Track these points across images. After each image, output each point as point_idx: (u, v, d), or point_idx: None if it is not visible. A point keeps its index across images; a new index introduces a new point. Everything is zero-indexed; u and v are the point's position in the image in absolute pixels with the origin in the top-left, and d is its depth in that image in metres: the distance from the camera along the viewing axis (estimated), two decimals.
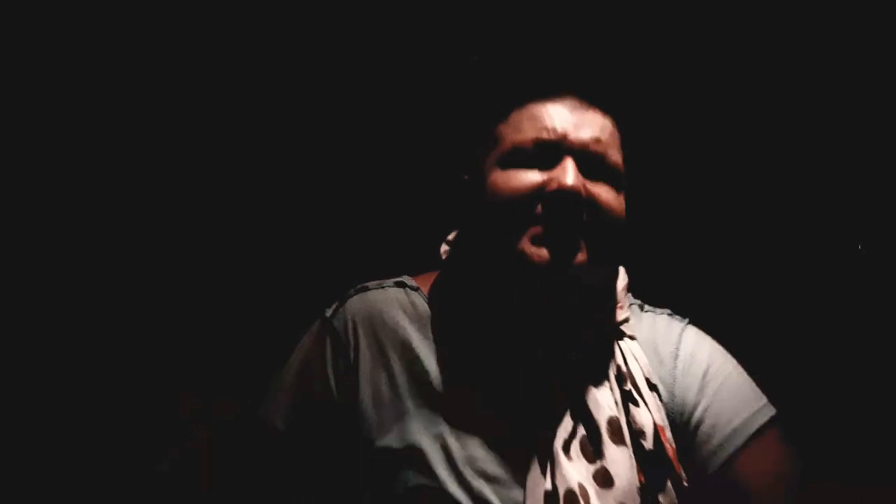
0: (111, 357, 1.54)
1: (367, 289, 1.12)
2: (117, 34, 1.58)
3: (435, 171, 1.51)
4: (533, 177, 1.02)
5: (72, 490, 1.43)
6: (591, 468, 0.98)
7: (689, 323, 1.16)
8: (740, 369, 1.12)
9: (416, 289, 1.12)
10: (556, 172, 1.01)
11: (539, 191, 1.01)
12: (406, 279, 1.14)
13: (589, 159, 1.04)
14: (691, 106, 1.67)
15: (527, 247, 0.99)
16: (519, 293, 1.02)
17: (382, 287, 1.13)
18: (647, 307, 1.18)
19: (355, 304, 1.10)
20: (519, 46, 1.61)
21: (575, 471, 0.97)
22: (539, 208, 1.00)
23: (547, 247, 0.99)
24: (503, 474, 0.98)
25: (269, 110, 1.67)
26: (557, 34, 1.62)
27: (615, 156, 1.06)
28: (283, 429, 1.06)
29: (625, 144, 1.11)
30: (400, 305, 1.10)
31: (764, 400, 1.10)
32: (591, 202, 1.02)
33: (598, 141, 1.04)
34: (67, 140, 1.57)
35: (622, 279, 1.13)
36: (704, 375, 1.08)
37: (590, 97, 1.08)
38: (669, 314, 1.17)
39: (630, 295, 1.17)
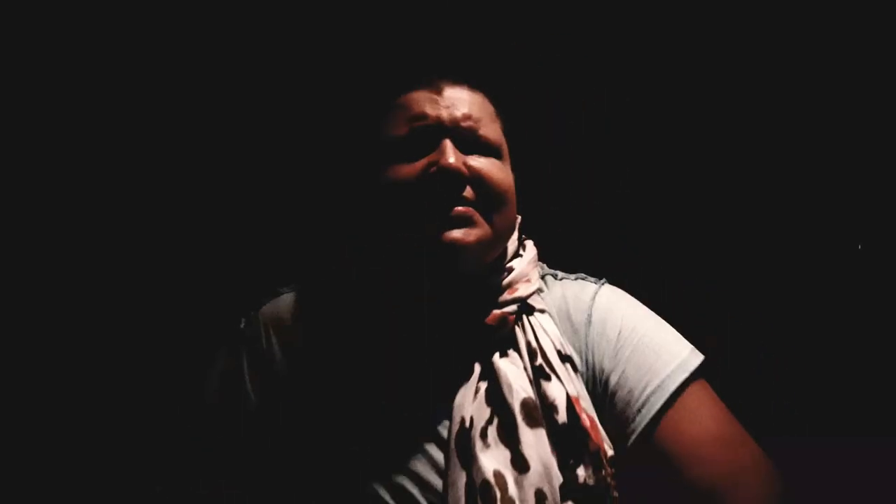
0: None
1: (279, 294, 1.15)
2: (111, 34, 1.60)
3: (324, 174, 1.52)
4: (416, 165, 1.04)
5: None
6: (508, 454, 0.97)
7: (605, 283, 1.14)
8: (659, 324, 1.10)
9: (326, 289, 1.13)
10: (435, 155, 1.04)
11: (424, 176, 1.03)
12: (316, 280, 1.15)
13: (465, 136, 1.06)
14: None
15: (428, 231, 1.00)
16: (425, 278, 1.03)
17: (294, 290, 1.15)
18: (560, 275, 1.17)
19: (268, 311, 1.12)
20: (377, 43, 1.60)
21: (491, 459, 0.96)
22: (428, 193, 1.02)
23: (446, 225, 1.01)
24: (424, 469, 0.98)
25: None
26: (412, 21, 1.61)
27: (490, 128, 1.09)
28: (207, 443, 1.08)
29: (503, 116, 1.14)
30: (312, 307, 1.11)
31: (686, 352, 1.06)
32: (475, 176, 1.04)
33: (469, 117, 1.07)
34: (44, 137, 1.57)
35: (529, 252, 1.13)
36: (617, 339, 1.06)
37: (454, 77, 1.12)
38: (583, 278, 1.15)
39: (543, 265, 1.18)
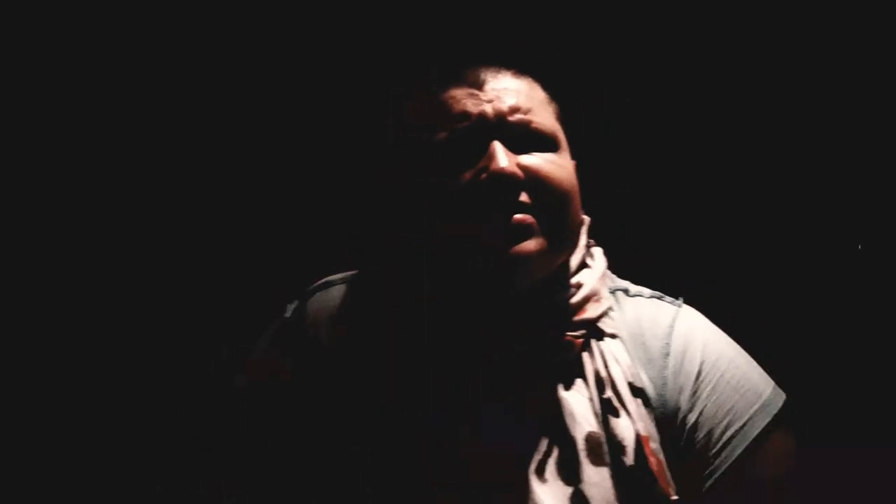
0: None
1: (329, 284, 1.08)
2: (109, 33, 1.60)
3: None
4: (462, 174, 0.93)
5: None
6: (568, 491, 0.89)
7: (683, 305, 1.04)
8: (741, 357, 1.01)
9: (377, 281, 1.05)
10: (484, 161, 0.92)
11: (473, 185, 0.92)
12: (367, 273, 1.07)
13: (514, 131, 0.94)
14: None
15: (484, 244, 0.90)
16: (472, 298, 0.94)
17: (345, 281, 1.07)
18: (633, 290, 1.06)
19: (315, 301, 1.06)
20: (405, 36, 1.56)
21: (549, 495, 0.88)
22: (479, 204, 0.91)
23: (502, 238, 0.90)
24: (474, 499, 0.89)
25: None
26: (441, 8, 1.57)
27: (543, 117, 0.97)
28: (242, 428, 1.03)
29: (555, 99, 1.01)
30: (362, 300, 1.03)
31: (769, 391, 0.98)
32: (532, 178, 0.93)
33: (517, 109, 0.95)
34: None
35: (599, 266, 1.02)
36: (698, 377, 0.97)
37: (495, 64, 0.99)
38: (659, 297, 1.05)
39: (613, 277, 1.07)
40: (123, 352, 1.56)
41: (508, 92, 0.96)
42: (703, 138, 1.64)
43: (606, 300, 1.00)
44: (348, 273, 1.09)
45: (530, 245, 0.91)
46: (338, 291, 1.06)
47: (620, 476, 0.90)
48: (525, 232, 0.90)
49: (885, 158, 1.57)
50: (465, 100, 0.95)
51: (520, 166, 0.93)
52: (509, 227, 0.90)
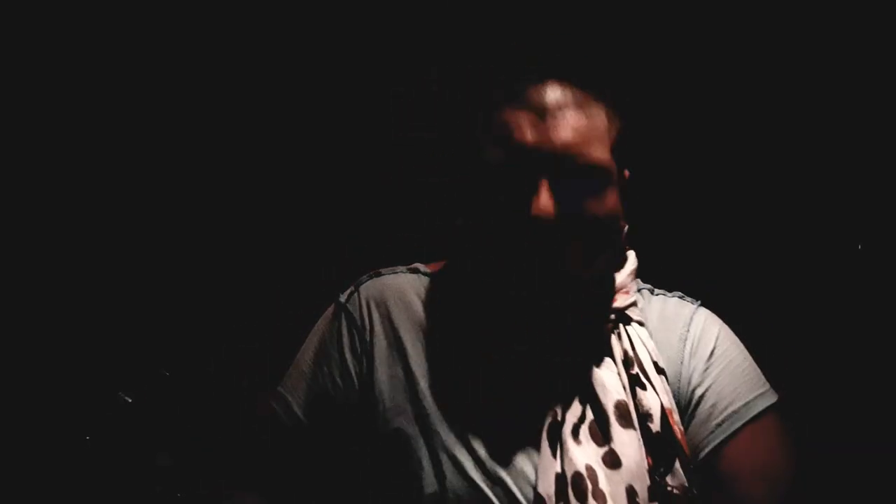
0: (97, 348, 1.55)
1: (380, 274, 1.14)
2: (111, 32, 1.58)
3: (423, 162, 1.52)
4: (511, 199, 0.98)
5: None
6: (601, 451, 0.99)
7: (701, 306, 1.16)
8: (746, 355, 1.13)
9: (428, 275, 1.13)
10: (529, 197, 0.97)
11: (515, 220, 0.98)
12: (419, 266, 1.15)
13: (566, 165, 0.98)
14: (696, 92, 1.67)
15: (512, 273, 1.00)
16: (514, 303, 1.03)
17: (395, 273, 1.14)
18: (657, 291, 1.18)
19: (369, 288, 1.12)
20: (501, 34, 1.59)
21: (583, 454, 0.98)
22: (518, 240, 0.98)
23: (531, 271, 0.99)
24: (515, 458, 0.99)
25: (276, 110, 1.68)
26: (546, 20, 1.61)
27: (598, 151, 1.00)
28: (301, 418, 1.07)
29: (618, 115, 1.05)
30: (413, 291, 1.11)
31: (766, 388, 1.10)
32: (572, 220, 0.98)
33: (574, 144, 0.98)
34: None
35: (630, 264, 1.13)
36: (710, 357, 1.09)
37: (562, 83, 1.01)
38: (680, 297, 1.17)
39: (639, 280, 1.17)
40: (122, 352, 1.54)
41: (568, 125, 0.99)
42: (709, 148, 1.67)
43: (634, 294, 1.12)
44: (396, 266, 1.16)
45: (570, 267, 1.00)
46: (389, 281, 1.13)
47: (649, 443, 1.01)
48: (565, 261, 0.99)
49: (881, 162, 1.60)
50: (525, 125, 0.99)
51: (561, 206, 0.98)
52: (547, 264, 0.99)
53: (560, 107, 0.99)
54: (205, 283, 1.60)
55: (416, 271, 1.14)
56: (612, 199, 1.02)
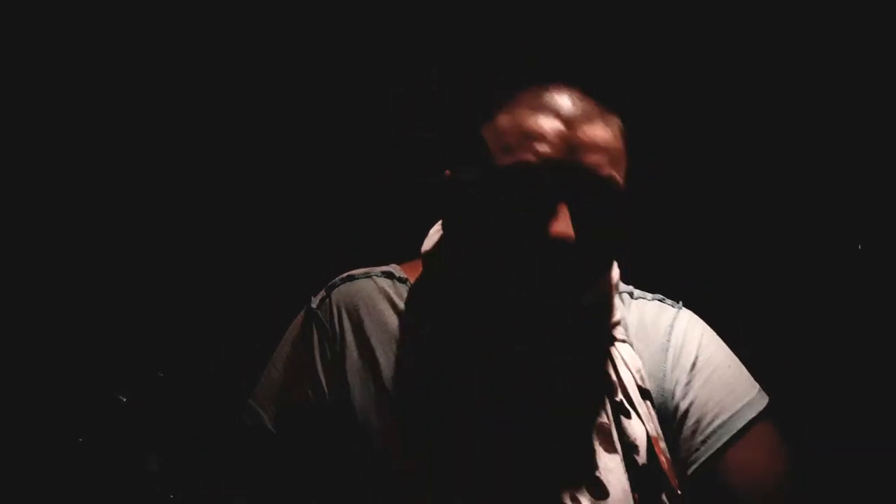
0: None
1: (353, 277, 1.09)
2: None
3: (423, 161, 1.50)
4: (518, 217, 0.91)
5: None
6: (584, 478, 0.94)
7: (682, 307, 1.11)
8: (733, 359, 1.08)
9: (403, 280, 1.08)
10: (544, 215, 0.90)
11: (524, 235, 0.91)
12: (394, 269, 1.10)
13: (586, 188, 0.91)
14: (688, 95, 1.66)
15: (508, 287, 0.93)
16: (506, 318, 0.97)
17: (369, 276, 1.09)
18: (637, 293, 1.12)
19: (341, 293, 1.07)
20: (505, 34, 1.57)
21: (568, 482, 0.93)
22: (523, 249, 0.91)
23: (529, 287, 0.93)
24: (492, 484, 0.93)
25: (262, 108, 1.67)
26: (549, 20, 1.58)
27: (617, 174, 0.93)
28: (272, 428, 1.03)
29: (631, 144, 0.99)
30: (386, 296, 1.06)
31: (755, 391, 1.05)
32: (584, 245, 0.91)
33: (598, 165, 0.91)
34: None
35: (613, 277, 1.07)
36: (692, 367, 1.04)
37: (591, 90, 0.96)
38: (660, 300, 1.12)
39: (620, 283, 1.12)
40: (120, 352, 1.54)
41: (596, 143, 0.92)
42: (697, 146, 1.66)
43: (619, 309, 1.06)
44: (370, 269, 1.11)
45: (563, 290, 0.94)
46: (362, 285, 1.07)
47: (634, 472, 0.95)
48: (562, 280, 0.93)
49: (872, 162, 1.59)
50: (549, 134, 0.91)
51: (577, 234, 0.90)
52: (547, 283, 0.92)
53: (585, 118, 0.93)
54: (204, 283, 1.60)
55: (390, 275, 1.09)
56: (619, 229, 0.96)
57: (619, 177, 0.93)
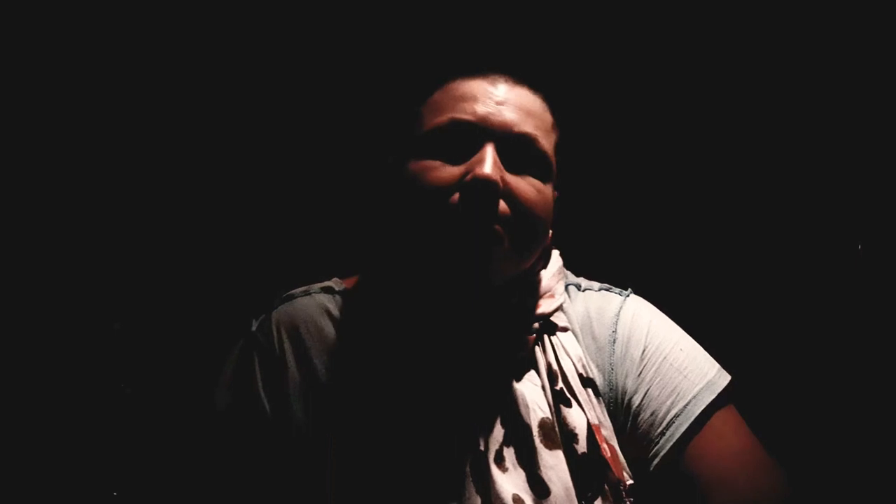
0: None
1: (292, 297, 1.08)
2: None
3: (358, 163, 1.48)
4: (450, 167, 0.95)
5: None
6: (526, 476, 0.93)
7: (630, 294, 1.08)
8: (685, 341, 1.05)
9: (344, 292, 1.07)
10: (473, 161, 0.94)
11: (455, 182, 0.94)
12: (335, 283, 1.09)
13: (512, 144, 0.96)
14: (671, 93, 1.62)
15: (445, 240, 0.93)
16: (440, 291, 0.97)
17: (309, 294, 1.08)
18: (584, 284, 1.10)
19: (281, 314, 1.06)
20: (440, 23, 1.54)
21: (510, 482, 0.92)
22: (456, 198, 0.93)
23: (464, 240, 0.93)
24: (436, 491, 0.92)
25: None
26: (481, 10, 1.54)
27: (542, 141, 0.98)
28: (223, 458, 1.01)
29: (559, 126, 1.03)
30: (326, 311, 1.05)
31: (713, 372, 1.02)
32: (510, 194, 0.94)
33: (523, 124, 0.97)
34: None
35: (554, 264, 1.07)
36: (641, 358, 1.02)
37: (518, 74, 1.00)
38: (607, 289, 1.10)
39: (568, 274, 1.11)
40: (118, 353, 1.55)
41: (521, 107, 0.98)
42: (686, 142, 1.63)
43: (560, 296, 1.05)
44: (310, 286, 1.10)
45: (493, 253, 0.94)
46: (301, 304, 1.07)
47: (575, 464, 0.94)
48: (490, 239, 0.93)
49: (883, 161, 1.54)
50: (477, 96, 0.97)
51: (504, 180, 0.95)
52: (477, 232, 0.93)
53: (515, 88, 0.99)
54: (203, 283, 1.59)
55: (329, 290, 1.08)
56: (549, 198, 0.99)
57: (543, 143, 0.98)
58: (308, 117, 1.63)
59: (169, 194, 1.61)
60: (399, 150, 1.02)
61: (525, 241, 0.97)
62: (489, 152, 0.94)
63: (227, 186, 1.62)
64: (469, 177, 0.93)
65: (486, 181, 0.92)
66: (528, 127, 0.97)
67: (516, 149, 0.96)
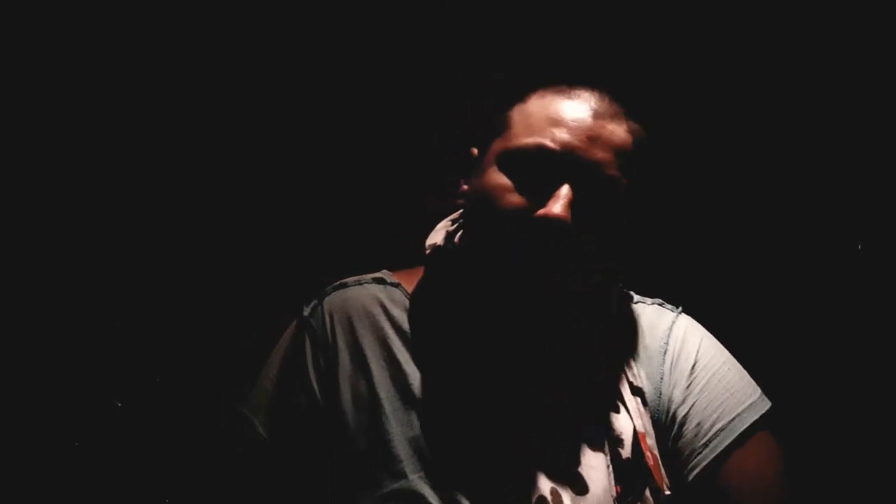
0: None
1: (345, 285, 1.09)
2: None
3: (417, 168, 1.50)
4: (524, 193, 0.94)
5: None
6: (567, 473, 0.95)
7: (681, 312, 1.11)
8: (732, 363, 1.08)
9: (395, 285, 1.08)
10: (548, 196, 0.93)
11: (526, 211, 0.93)
12: (385, 275, 1.10)
13: (593, 181, 0.94)
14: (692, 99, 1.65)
15: (508, 259, 0.94)
16: (502, 298, 0.98)
17: (361, 283, 1.09)
18: (637, 298, 1.13)
19: (333, 301, 1.07)
20: (550, 33, 1.55)
21: (549, 476, 0.94)
22: (525, 226, 0.93)
23: (526, 266, 0.93)
24: (480, 480, 0.94)
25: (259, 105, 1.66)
26: (589, 28, 1.56)
27: (624, 177, 0.95)
28: (265, 435, 1.03)
29: (648, 155, 1.01)
30: (378, 302, 1.06)
31: (755, 396, 1.05)
32: (579, 237, 0.93)
33: (609, 164, 0.94)
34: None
35: (613, 276, 1.06)
36: (692, 371, 1.04)
37: (620, 98, 0.99)
38: (660, 304, 1.12)
39: (619, 287, 1.12)
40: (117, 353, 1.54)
41: (612, 143, 0.96)
42: (696, 148, 1.65)
43: (614, 307, 1.08)
44: (361, 276, 1.11)
45: (556, 280, 0.95)
46: (353, 292, 1.08)
47: (618, 469, 0.96)
48: (556, 270, 0.94)
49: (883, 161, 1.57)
50: (571, 123, 0.96)
51: (575, 222, 0.92)
52: (541, 267, 0.93)
53: (609, 118, 0.97)
54: (203, 283, 1.59)
55: (381, 281, 1.09)
56: (618, 234, 0.98)
57: (624, 180, 0.96)
58: (308, 117, 1.65)
59: (169, 194, 1.62)
60: (484, 148, 1.03)
61: (590, 267, 0.97)
62: (565, 193, 0.93)
63: (228, 186, 1.63)
64: (540, 213, 0.92)
65: (556, 222, 0.91)
66: (613, 170, 0.95)
67: (596, 186, 0.95)
